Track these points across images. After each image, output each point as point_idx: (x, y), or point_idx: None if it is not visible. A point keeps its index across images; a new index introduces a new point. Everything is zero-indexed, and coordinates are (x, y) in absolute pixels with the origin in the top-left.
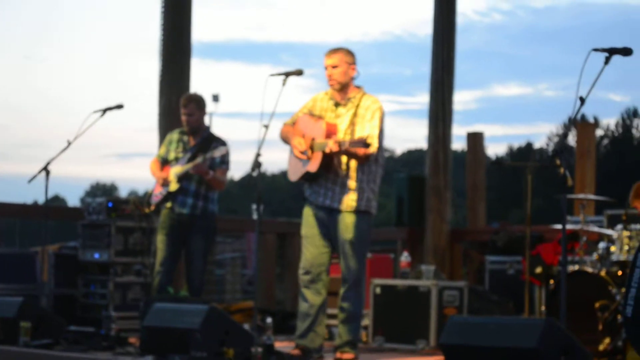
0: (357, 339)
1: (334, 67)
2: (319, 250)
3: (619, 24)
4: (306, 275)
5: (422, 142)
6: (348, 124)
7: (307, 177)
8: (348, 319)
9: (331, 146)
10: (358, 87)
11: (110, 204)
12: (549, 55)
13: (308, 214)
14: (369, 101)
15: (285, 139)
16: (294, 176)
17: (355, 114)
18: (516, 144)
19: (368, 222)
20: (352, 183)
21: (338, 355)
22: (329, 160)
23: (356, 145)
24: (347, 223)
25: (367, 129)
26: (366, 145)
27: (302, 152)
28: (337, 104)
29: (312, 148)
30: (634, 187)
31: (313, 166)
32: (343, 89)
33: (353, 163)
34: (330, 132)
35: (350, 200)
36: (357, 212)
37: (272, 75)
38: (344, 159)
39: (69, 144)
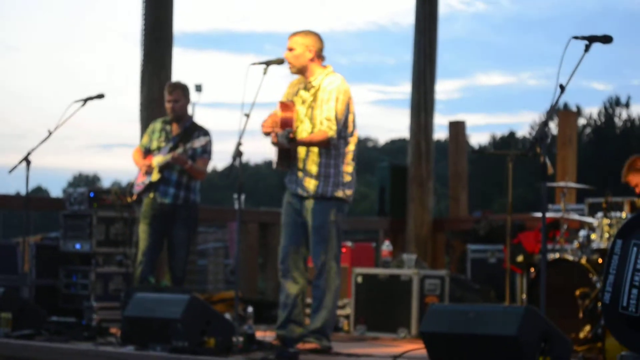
0: (323, 329)
1: (290, 49)
2: (294, 238)
3: (603, 12)
4: (282, 264)
5: (405, 132)
6: (308, 107)
7: (281, 165)
8: (316, 308)
9: (272, 140)
10: (324, 67)
11: (91, 194)
12: (532, 44)
13: (285, 201)
14: (328, 82)
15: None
16: (274, 164)
17: (315, 97)
18: (499, 133)
19: (337, 208)
20: (314, 168)
21: (300, 345)
22: (284, 152)
23: (282, 141)
24: (310, 209)
25: (324, 112)
26: (289, 140)
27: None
28: (304, 88)
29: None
30: (628, 162)
31: (275, 156)
32: (302, 72)
33: (314, 148)
34: (284, 124)
35: (312, 186)
36: (322, 197)
37: (253, 64)
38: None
39: (50, 134)
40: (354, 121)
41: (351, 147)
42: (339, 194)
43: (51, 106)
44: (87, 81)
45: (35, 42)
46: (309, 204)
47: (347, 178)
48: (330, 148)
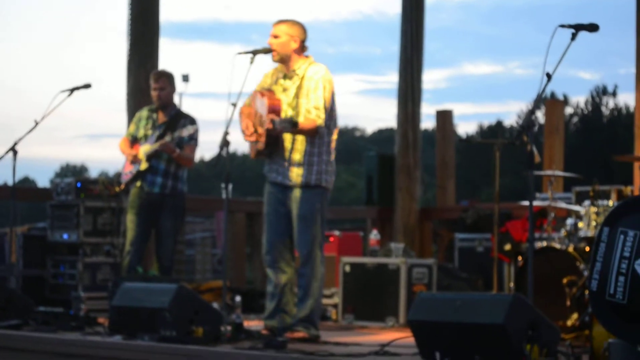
0: (311, 317)
1: (275, 37)
2: (278, 228)
3: (590, 1)
4: (268, 255)
5: (393, 122)
6: (293, 96)
7: (261, 154)
8: (302, 297)
9: (266, 126)
10: (306, 57)
11: (79, 184)
12: (520, 34)
13: (266, 191)
14: (313, 71)
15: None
16: (252, 153)
17: (300, 86)
18: (486, 123)
19: (320, 196)
20: (299, 157)
21: (288, 334)
22: (274, 139)
23: (285, 127)
24: (295, 198)
25: (311, 101)
26: (294, 124)
27: (250, 135)
28: (284, 77)
29: (260, 125)
30: None
31: (261, 144)
32: (285, 61)
33: (300, 136)
34: (271, 108)
35: (297, 175)
36: (306, 186)
37: (240, 53)
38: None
39: (36, 124)
40: (336, 111)
41: (334, 137)
42: (322, 182)
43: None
44: (75, 71)
45: (25, 34)
46: (294, 193)
47: (329, 167)
48: (315, 137)
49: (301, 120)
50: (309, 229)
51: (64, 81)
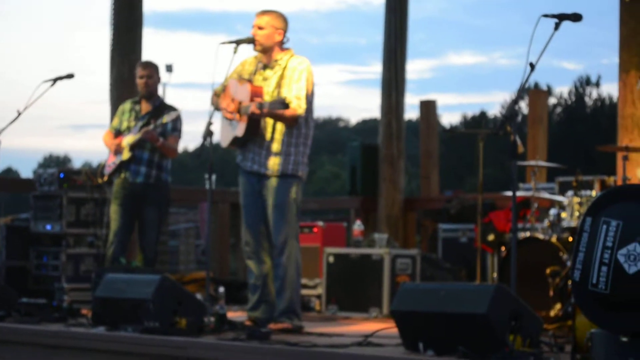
0: (292, 307)
1: (260, 28)
2: (256, 219)
3: None
4: (247, 246)
5: (377, 112)
6: (274, 86)
7: (237, 142)
8: (280, 288)
9: (252, 109)
10: (287, 50)
11: (62, 175)
12: (504, 24)
13: (241, 182)
14: (296, 62)
15: (216, 105)
16: (224, 142)
17: (282, 76)
18: (470, 113)
19: (296, 185)
20: (276, 146)
21: (272, 326)
22: (256, 124)
23: (276, 106)
24: (272, 187)
25: (293, 90)
26: (285, 105)
27: (231, 113)
28: (264, 67)
29: (239, 112)
30: None
31: (240, 130)
32: (267, 51)
33: (280, 126)
34: (255, 95)
35: (274, 164)
36: (283, 175)
37: (223, 43)
38: (270, 121)
39: (19, 114)
40: (313, 106)
41: (310, 130)
42: (299, 172)
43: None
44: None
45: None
46: (272, 182)
47: (305, 158)
48: (294, 127)
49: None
50: (284, 219)
51: (47, 71)
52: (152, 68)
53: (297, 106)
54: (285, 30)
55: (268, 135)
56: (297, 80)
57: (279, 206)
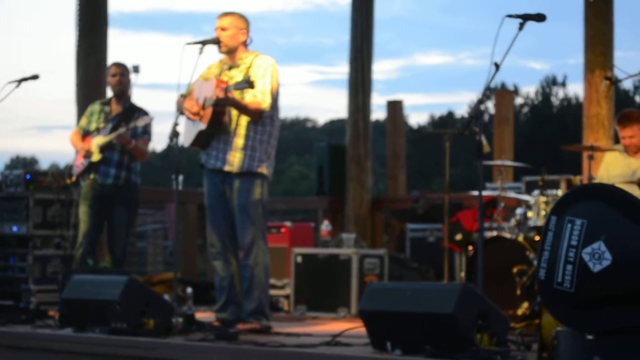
0: (260, 308)
1: (223, 29)
2: (221, 220)
3: None
4: (212, 247)
5: (344, 112)
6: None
7: (200, 138)
8: (247, 289)
9: (217, 92)
10: (252, 52)
11: (28, 176)
12: (471, 24)
13: (205, 182)
14: (261, 60)
15: (180, 108)
16: (187, 141)
17: (247, 74)
18: (438, 113)
19: (261, 184)
20: (240, 141)
21: (240, 326)
22: (220, 116)
23: (241, 86)
24: (236, 188)
25: (258, 85)
26: (250, 84)
27: (195, 114)
28: (230, 67)
29: (204, 107)
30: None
31: (204, 123)
32: (232, 52)
33: (244, 121)
34: (221, 85)
35: (238, 160)
36: (247, 173)
37: (189, 44)
38: (234, 116)
39: None
40: (279, 104)
41: (275, 128)
42: (263, 170)
43: None
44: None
45: None
46: (234, 183)
47: (271, 157)
48: (258, 122)
49: (247, 101)
50: (250, 219)
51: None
52: (124, 68)
53: (262, 100)
54: (248, 30)
55: (231, 130)
56: (262, 77)
57: (244, 207)
